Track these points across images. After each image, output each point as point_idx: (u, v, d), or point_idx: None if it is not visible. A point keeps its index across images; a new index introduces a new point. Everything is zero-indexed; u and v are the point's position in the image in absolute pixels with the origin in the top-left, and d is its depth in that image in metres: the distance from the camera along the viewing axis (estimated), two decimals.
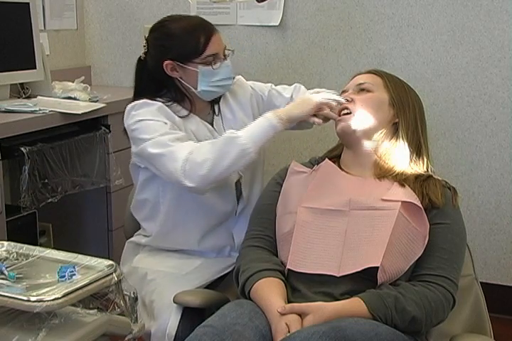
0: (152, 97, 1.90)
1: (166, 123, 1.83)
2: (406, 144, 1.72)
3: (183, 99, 1.93)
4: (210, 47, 1.87)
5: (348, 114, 1.74)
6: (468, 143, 2.82)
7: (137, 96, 1.93)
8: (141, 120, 1.84)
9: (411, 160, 1.73)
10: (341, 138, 1.78)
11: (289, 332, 1.45)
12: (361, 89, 1.76)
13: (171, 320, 1.73)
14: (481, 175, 2.82)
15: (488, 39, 2.71)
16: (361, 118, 1.72)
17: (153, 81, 1.93)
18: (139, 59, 1.96)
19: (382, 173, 1.70)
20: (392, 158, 1.72)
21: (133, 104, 1.89)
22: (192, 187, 1.75)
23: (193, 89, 1.90)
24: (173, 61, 1.87)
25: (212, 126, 1.98)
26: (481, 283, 1.78)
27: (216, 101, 2.01)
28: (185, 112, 1.93)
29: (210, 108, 2.00)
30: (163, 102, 1.89)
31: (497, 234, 2.84)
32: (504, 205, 2.81)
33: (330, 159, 1.78)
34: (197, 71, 1.88)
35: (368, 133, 1.73)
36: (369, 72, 1.81)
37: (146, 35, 1.95)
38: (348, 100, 1.76)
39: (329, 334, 1.36)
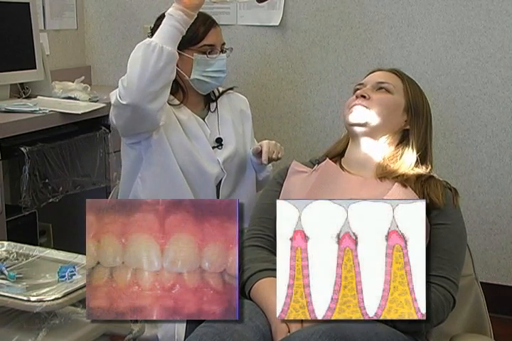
0: None
1: None
2: (414, 152, 1.71)
3: (177, 90, 1.99)
4: (208, 38, 1.95)
5: (363, 106, 1.72)
6: (468, 143, 2.82)
7: None
8: None
9: (415, 165, 1.72)
10: (350, 128, 1.74)
11: (289, 332, 1.45)
12: (380, 88, 1.74)
13: (176, 325, 1.72)
14: (481, 175, 2.82)
15: (488, 39, 2.71)
16: (374, 115, 1.71)
17: None
18: None
19: (384, 174, 1.69)
20: (396, 163, 1.71)
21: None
22: (127, 105, 1.76)
23: (187, 77, 1.96)
24: None
25: (203, 120, 2.03)
26: (481, 283, 1.78)
27: (212, 99, 2.07)
28: (176, 102, 1.99)
29: (204, 105, 2.06)
30: None
31: (497, 234, 2.83)
32: (504, 205, 2.81)
33: (330, 159, 1.78)
34: (192, 59, 1.94)
35: (376, 132, 1.71)
36: (391, 71, 1.79)
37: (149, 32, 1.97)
38: (364, 96, 1.73)
39: (329, 333, 1.35)
